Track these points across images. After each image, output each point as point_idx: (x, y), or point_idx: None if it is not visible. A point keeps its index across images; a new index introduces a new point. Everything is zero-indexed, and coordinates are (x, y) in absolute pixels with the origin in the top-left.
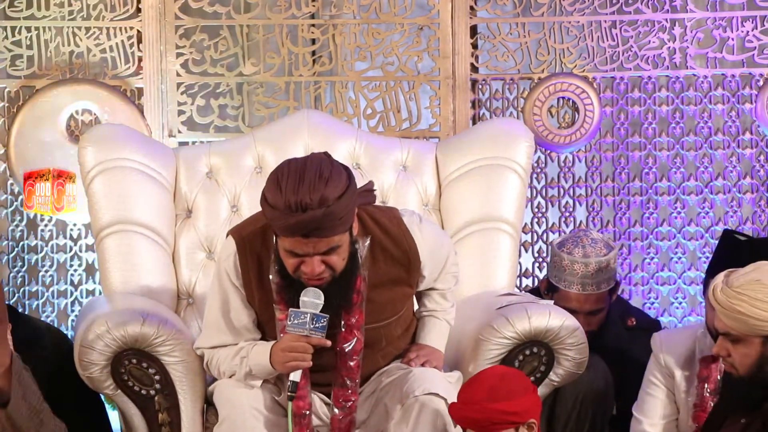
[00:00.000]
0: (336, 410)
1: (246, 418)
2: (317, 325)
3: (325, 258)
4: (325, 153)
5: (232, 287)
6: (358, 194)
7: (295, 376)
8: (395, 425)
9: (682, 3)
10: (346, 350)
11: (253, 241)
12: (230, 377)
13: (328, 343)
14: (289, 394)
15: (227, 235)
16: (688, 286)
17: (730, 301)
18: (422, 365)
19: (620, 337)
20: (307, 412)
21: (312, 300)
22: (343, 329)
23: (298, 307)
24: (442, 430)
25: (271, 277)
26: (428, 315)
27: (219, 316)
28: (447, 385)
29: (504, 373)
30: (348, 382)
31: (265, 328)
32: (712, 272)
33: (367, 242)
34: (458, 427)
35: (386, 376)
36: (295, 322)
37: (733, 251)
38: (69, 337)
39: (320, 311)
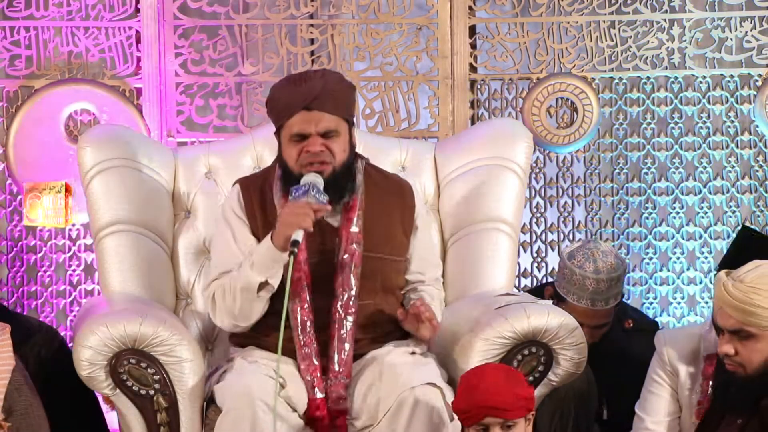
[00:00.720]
0: (335, 320)
1: (251, 409)
2: (318, 195)
3: (325, 142)
4: None
5: (237, 219)
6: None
7: (297, 234)
8: (391, 416)
9: (681, 3)
10: (346, 259)
11: (255, 180)
12: (231, 302)
13: (329, 207)
14: (290, 249)
15: (233, 185)
16: (687, 286)
17: (747, 297)
18: (428, 317)
19: (617, 341)
20: (311, 324)
21: (312, 178)
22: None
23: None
24: (438, 421)
25: (273, 193)
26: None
27: (228, 246)
28: (440, 377)
29: (506, 365)
30: (348, 292)
31: None
32: (723, 265)
33: (364, 163)
34: (454, 418)
35: (380, 364)
36: (296, 194)
37: (743, 245)
38: (61, 334)
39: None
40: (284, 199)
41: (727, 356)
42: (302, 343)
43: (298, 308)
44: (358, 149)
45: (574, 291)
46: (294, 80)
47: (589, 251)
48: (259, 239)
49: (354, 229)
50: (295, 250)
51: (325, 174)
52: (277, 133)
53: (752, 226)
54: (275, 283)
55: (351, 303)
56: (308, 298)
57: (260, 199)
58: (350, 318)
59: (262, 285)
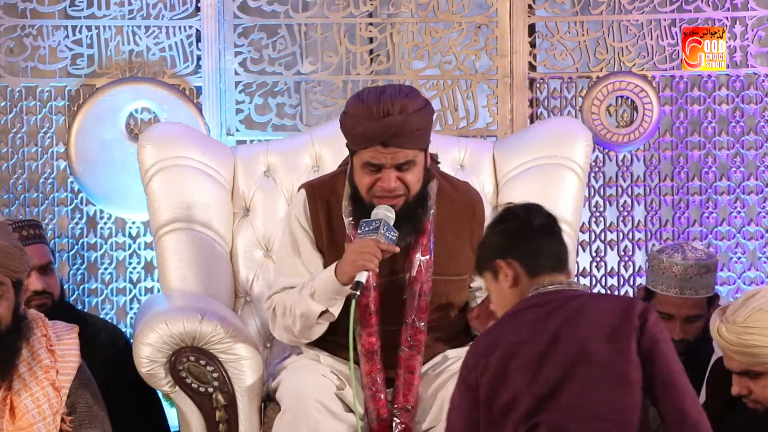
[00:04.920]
0: (404, 348)
1: (309, 409)
2: (388, 233)
3: (400, 174)
4: None
5: (302, 231)
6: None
7: (361, 276)
8: None
9: (743, 1)
10: (416, 287)
11: (322, 189)
12: (291, 323)
13: (397, 249)
14: (352, 292)
15: (298, 189)
16: (748, 286)
17: (741, 338)
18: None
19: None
20: (378, 349)
21: (384, 212)
22: (414, 262)
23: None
24: None
25: (343, 210)
26: None
27: (292, 261)
28: None
29: None
30: (417, 323)
31: None
32: None
33: (435, 184)
34: None
35: (445, 368)
36: (366, 229)
37: None
38: (125, 333)
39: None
40: (353, 227)
41: (743, 396)
42: (368, 369)
43: (365, 334)
44: None
45: (662, 281)
46: (373, 110)
47: (679, 245)
48: (323, 254)
49: (425, 257)
50: (358, 293)
51: (398, 206)
52: (350, 150)
53: None
54: (336, 312)
55: (420, 332)
56: (376, 323)
57: (327, 212)
58: (417, 343)
59: (323, 313)
